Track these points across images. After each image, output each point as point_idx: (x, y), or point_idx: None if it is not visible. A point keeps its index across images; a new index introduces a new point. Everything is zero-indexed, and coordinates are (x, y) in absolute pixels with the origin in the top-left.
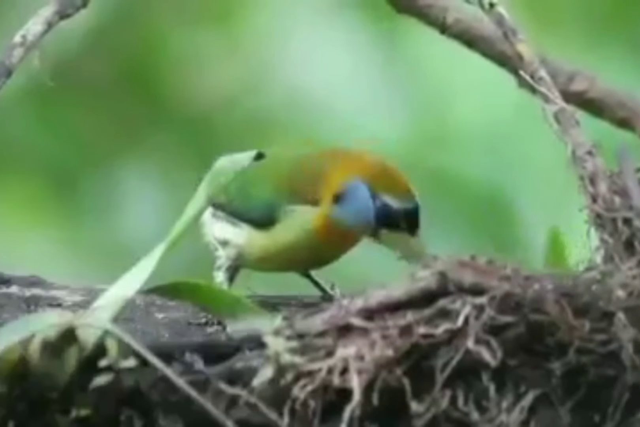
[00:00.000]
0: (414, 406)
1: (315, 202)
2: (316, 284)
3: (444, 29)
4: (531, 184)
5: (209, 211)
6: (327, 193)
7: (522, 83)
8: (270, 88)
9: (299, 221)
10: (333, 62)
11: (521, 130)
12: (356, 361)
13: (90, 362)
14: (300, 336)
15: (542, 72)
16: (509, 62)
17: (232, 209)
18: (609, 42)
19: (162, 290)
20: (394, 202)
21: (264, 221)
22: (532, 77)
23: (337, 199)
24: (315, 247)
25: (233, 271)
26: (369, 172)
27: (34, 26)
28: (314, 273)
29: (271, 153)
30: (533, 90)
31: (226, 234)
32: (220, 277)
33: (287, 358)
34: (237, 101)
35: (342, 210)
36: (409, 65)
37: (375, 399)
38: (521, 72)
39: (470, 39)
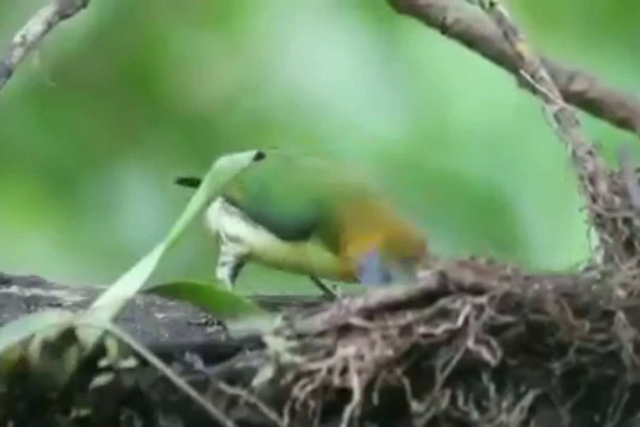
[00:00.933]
0: (414, 406)
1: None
2: (318, 283)
3: (444, 29)
4: (531, 184)
5: (218, 202)
6: (350, 250)
7: (522, 83)
8: (270, 88)
9: (325, 259)
10: (333, 63)
11: (521, 130)
12: (356, 360)
13: (90, 362)
14: (300, 336)
15: (543, 72)
16: (509, 61)
17: (251, 210)
18: (609, 42)
19: (162, 290)
20: (396, 274)
21: (290, 234)
22: (532, 76)
23: (359, 271)
24: (332, 273)
25: (237, 269)
26: (384, 239)
27: (34, 26)
28: None
29: (305, 162)
30: (533, 90)
31: (239, 231)
32: (223, 273)
33: (287, 358)
34: (237, 101)
35: (362, 281)
36: (409, 65)
37: (375, 399)
38: (521, 72)
39: (470, 39)
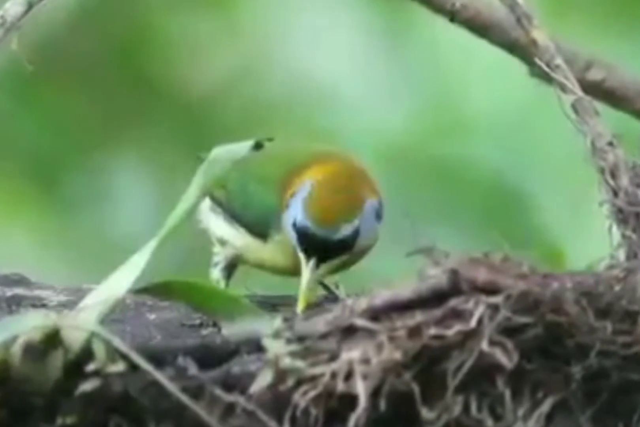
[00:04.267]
0: (424, 413)
1: None
2: (320, 282)
3: (452, 15)
4: (548, 176)
5: (207, 202)
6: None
7: (535, 72)
8: (270, 74)
9: (283, 248)
10: (337, 48)
11: (537, 119)
12: (361, 364)
13: (76, 367)
14: (302, 339)
15: (559, 60)
16: (520, 49)
17: (229, 209)
18: (628, 28)
19: (153, 289)
20: (300, 219)
21: (259, 232)
22: (547, 65)
23: (287, 207)
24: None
25: (230, 269)
26: (319, 178)
27: (13, 7)
28: None
29: (269, 154)
30: (546, 80)
31: (223, 233)
32: (216, 274)
33: (287, 362)
34: (235, 88)
35: (285, 221)
36: (419, 50)
37: (382, 406)
38: (536, 60)
39: (479, 26)
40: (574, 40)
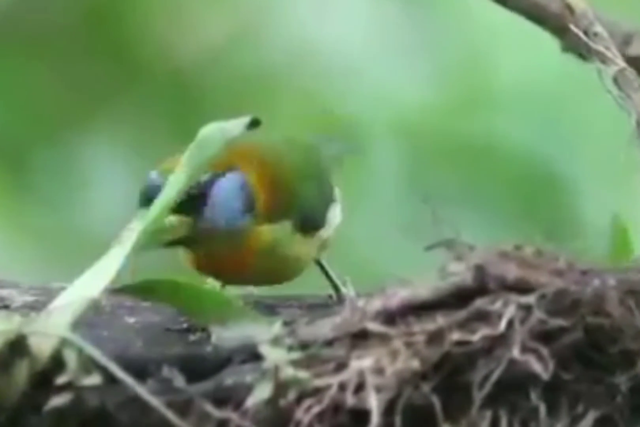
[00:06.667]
0: None
1: None
2: (329, 277)
3: None
4: (586, 158)
5: None
6: None
7: (567, 47)
8: (270, 41)
9: None
10: (346, 11)
11: (574, 92)
12: (374, 375)
13: (44, 378)
14: (305, 345)
15: (598, 27)
16: (548, 18)
17: None
18: None
19: (134, 288)
20: None
21: None
22: (585, 33)
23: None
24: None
25: None
26: None
27: None
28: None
29: None
30: (581, 54)
31: None
32: None
33: (288, 372)
34: (229, 57)
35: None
36: (438, 13)
37: (397, 423)
38: (572, 28)
39: None
40: (612, 12)
